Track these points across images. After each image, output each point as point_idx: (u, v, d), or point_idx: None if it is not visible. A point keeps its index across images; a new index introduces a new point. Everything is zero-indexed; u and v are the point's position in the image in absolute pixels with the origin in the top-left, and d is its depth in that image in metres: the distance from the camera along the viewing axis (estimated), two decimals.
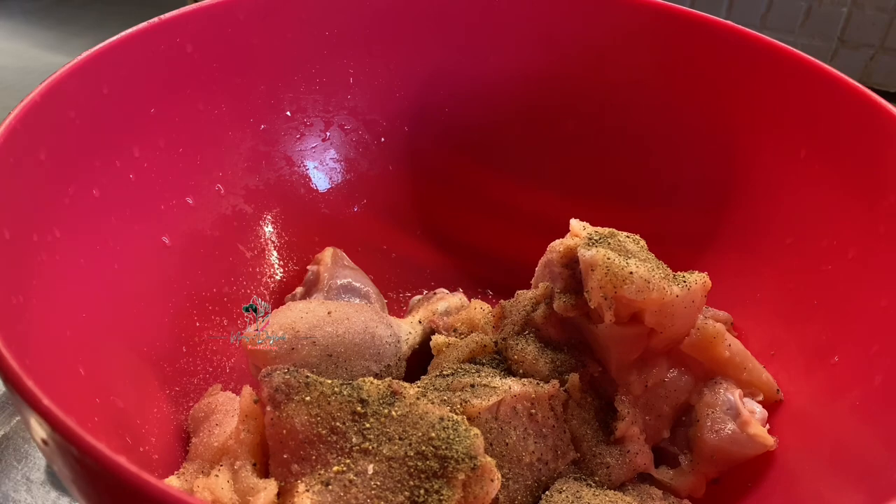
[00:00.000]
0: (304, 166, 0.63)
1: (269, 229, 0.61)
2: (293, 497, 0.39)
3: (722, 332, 0.49)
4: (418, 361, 0.54)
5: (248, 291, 0.59)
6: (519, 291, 0.53)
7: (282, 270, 0.62)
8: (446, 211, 0.67)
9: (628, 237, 0.50)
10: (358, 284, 0.58)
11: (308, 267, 0.60)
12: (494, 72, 0.65)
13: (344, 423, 0.40)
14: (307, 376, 0.42)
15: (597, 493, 0.45)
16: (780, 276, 0.55)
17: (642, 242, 0.51)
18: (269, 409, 0.41)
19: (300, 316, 0.50)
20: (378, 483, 0.38)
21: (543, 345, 0.50)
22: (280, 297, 0.60)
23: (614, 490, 0.47)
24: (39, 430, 0.31)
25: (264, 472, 0.42)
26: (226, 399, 0.50)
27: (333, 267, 0.59)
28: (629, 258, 0.47)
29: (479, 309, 0.57)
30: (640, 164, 0.64)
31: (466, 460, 0.39)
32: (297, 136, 0.63)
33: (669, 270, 0.48)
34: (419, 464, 0.39)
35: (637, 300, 0.45)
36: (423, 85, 0.65)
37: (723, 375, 0.50)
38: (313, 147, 0.64)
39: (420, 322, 0.56)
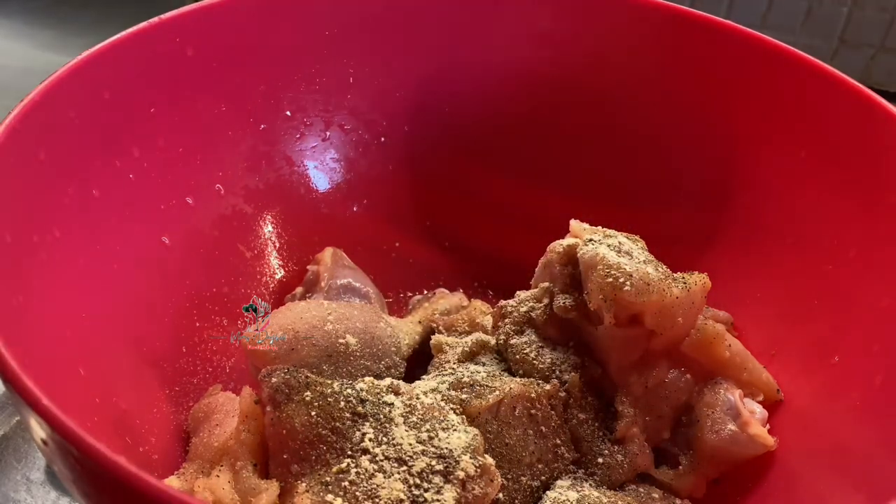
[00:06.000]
0: (304, 166, 0.63)
1: (268, 229, 0.61)
2: (293, 497, 0.39)
3: (722, 332, 0.49)
4: (418, 361, 0.54)
5: (248, 291, 0.59)
6: (519, 291, 0.53)
7: (282, 270, 0.62)
8: (446, 211, 0.67)
9: (628, 237, 0.50)
10: (358, 284, 0.58)
11: (308, 267, 0.60)
12: (494, 72, 0.65)
13: (344, 424, 0.40)
14: (307, 376, 0.42)
15: (597, 494, 0.45)
16: (781, 276, 0.54)
17: (642, 243, 0.51)
18: (269, 409, 0.41)
19: (300, 316, 0.50)
20: (378, 483, 0.38)
21: (543, 345, 0.50)
22: (280, 297, 0.60)
23: (614, 490, 0.47)
24: (39, 430, 0.31)
25: (265, 473, 0.42)
26: (226, 399, 0.50)
27: (333, 267, 0.59)
28: (629, 259, 0.47)
29: (479, 309, 0.57)
30: (640, 164, 0.63)
31: (466, 460, 0.39)
32: (297, 136, 0.63)
33: (669, 271, 0.48)
34: (419, 464, 0.39)
35: (637, 302, 0.45)
36: (423, 85, 0.65)
37: (723, 376, 0.50)
38: (313, 147, 0.64)
39: (420, 322, 0.56)
